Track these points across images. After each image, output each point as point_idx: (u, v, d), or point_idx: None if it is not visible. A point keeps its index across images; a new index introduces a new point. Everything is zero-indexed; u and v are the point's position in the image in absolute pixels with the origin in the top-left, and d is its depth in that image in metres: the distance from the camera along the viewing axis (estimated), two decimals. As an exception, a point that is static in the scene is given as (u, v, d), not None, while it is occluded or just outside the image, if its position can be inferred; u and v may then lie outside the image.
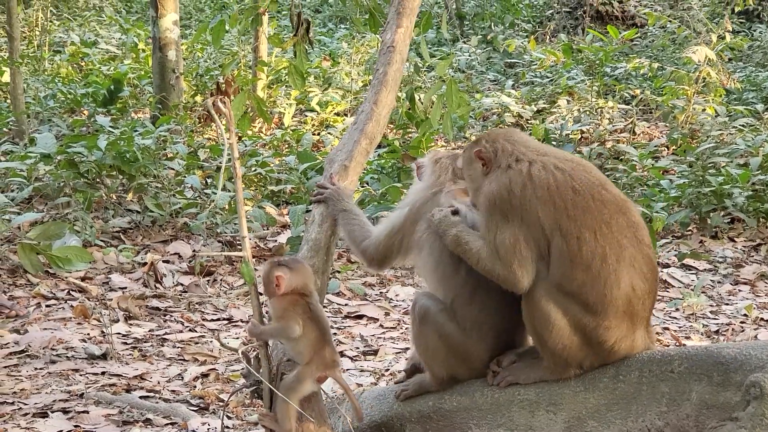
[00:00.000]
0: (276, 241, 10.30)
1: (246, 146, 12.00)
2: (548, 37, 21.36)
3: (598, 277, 4.42)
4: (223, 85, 13.48)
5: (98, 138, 10.44)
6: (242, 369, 5.05)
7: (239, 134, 12.29)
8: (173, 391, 6.67)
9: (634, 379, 4.46)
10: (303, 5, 20.17)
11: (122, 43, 17.91)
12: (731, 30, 15.92)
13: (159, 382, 6.80)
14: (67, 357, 7.17)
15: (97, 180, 10.63)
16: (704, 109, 14.93)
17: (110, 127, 11.69)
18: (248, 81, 14.14)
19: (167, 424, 6.11)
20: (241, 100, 9.02)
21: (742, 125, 14.68)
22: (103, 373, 6.91)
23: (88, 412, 6.17)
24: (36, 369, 6.95)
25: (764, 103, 17.06)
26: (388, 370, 7.18)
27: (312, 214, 5.20)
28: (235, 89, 13.34)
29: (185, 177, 11.05)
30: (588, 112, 14.88)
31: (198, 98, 14.80)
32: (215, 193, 10.06)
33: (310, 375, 4.70)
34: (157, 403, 6.41)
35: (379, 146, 13.67)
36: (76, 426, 5.97)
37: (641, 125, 15.28)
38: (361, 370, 7.18)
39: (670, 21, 17.56)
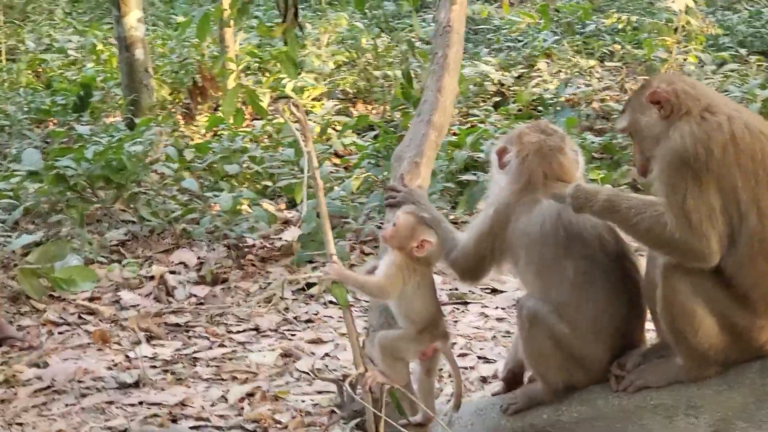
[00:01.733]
0: (281, 238, 9.84)
1: (233, 142, 11.48)
2: (518, 0, 20.94)
3: None
4: (200, 81, 13.01)
5: (86, 148, 9.91)
6: (335, 398, 4.61)
7: (235, 127, 11.80)
8: (221, 416, 6.22)
9: (785, 371, 4.00)
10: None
11: (81, 45, 17.24)
12: (705, -25, 15.65)
13: (203, 407, 6.34)
14: (97, 389, 6.69)
15: (89, 193, 10.11)
16: (685, 59, 14.62)
17: (90, 134, 11.18)
18: (220, 72, 13.62)
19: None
20: (233, 94, 8.60)
21: (729, 72, 14.41)
22: (140, 404, 6.44)
23: (137, 450, 5.74)
24: (67, 405, 6.46)
25: (740, 46, 16.81)
26: (441, 369, 6.73)
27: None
28: (214, 83, 12.96)
29: (173, 181, 10.57)
30: (578, 74, 14.48)
31: (177, 96, 14.22)
32: (217, 196, 9.57)
33: (417, 342, 4.44)
34: (209, 432, 5.99)
35: (371, 129, 13.30)
36: (128, 467, 5.53)
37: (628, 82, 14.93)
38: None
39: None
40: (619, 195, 4.13)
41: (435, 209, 4.80)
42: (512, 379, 4.73)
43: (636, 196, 4.14)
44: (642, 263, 4.39)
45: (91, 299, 8.37)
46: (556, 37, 16.24)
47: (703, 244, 3.90)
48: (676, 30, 14.56)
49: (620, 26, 15.54)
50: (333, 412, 6.03)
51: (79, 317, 8.04)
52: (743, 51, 16.03)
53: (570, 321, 4.26)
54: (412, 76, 11.38)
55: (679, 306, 4.01)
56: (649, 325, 4.50)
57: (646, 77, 15.14)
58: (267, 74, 15.33)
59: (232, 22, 10.70)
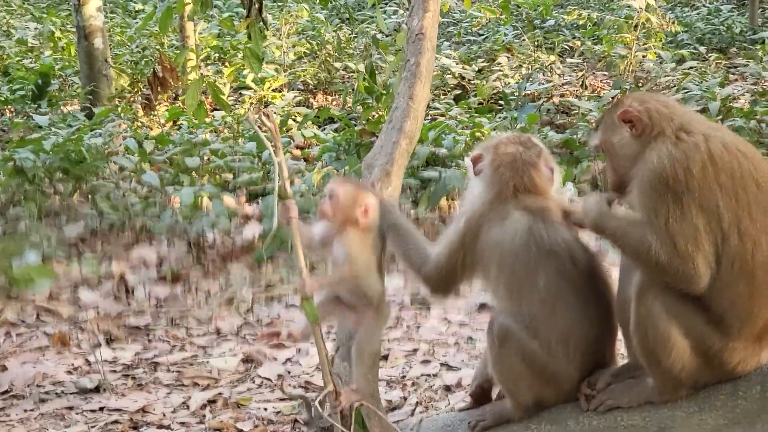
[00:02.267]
0: (242, 233, 9.76)
1: (194, 134, 11.38)
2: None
3: (757, 291, 3.89)
4: (160, 72, 12.87)
5: (45, 140, 9.77)
6: (302, 415, 4.56)
7: (196, 122, 11.68)
8: (183, 423, 6.13)
9: (757, 394, 4.01)
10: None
11: (39, 32, 17.03)
12: (666, -28, 15.71)
13: (165, 414, 6.25)
14: (57, 394, 6.58)
15: (47, 185, 9.98)
16: (644, 56, 14.67)
17: (49, 125, 11.03)
18: (179, 62, 13.51)
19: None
20: (195, 87, 8.52)
21: (688, 69, 14.47)
22: (101, 410, 6.33)
23: (98, 459, 5.66)
24: (26, 411, 6.34)
25: (699, 43, 16.89)
26: (405, 376, 6.72)
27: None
28: (174, 74, 12.84)
29: (133, 173, 10.46)
30: (539, 69, 14.48)
31: (136, 86, 14.07)
32: (178, 191, 9.46)
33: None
34: (171, 440, 5.92)
35: (331, 121, 13.24)
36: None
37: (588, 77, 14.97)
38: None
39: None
40: (606, 215, 4.09)
41: (406, 218, 4.74)
42: (480, 395, 4.70)
43: (623, 216, 4.08)
44: (615, 282, 4.37)
45: (49, 297, 8.25)
46: (517, 32, 16.25)
47: (689, 267, 3.86)
48: (636, 27, 14.62)
49: (581, 22, 15.54)
50: (296, 421, 5.99)
51: (38, 318, 7.93)
52: (702, 49, 16.11)
53: (540, 338, 4.23)
54: (374, 69, 11.36)
55: (653, 327, 3.98)
56: (620, 344, 4.49)
57: (605, 73, 15.27)
58: (227, 64, 15.22)
59: (194, 17, 10.63)
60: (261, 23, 8.28)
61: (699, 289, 3.90)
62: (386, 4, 18.35)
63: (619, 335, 4.41)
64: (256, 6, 8.26)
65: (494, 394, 4.76)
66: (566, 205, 4.48)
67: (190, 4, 8.46)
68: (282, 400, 6.39)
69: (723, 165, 3.89)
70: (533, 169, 4.52)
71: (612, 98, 13.23)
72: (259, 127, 4.26)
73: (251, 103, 14.21)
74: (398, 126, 4.86)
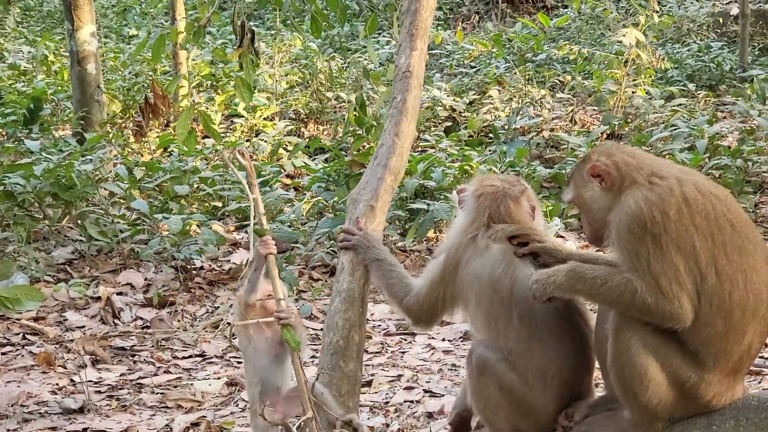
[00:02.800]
0: (230, 261, 9.82)
1: (183, 162, 11.45)
2: (470, 26, 21.05)
3: (733, 329, 3.99)
4: (152, 98, 12.93)
5: (36, 165, 9.83)
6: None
7: (185, 151, 11.73)
8: (165, 446, 6.19)
9: (730, 428, 4.09)
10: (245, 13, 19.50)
11: (32, 57, 17.10)
12: (658, 10, 15.82)
13: (148, 437, 6.30)
14: (41, 414, 6.62)
15: (36, 209, 10.03)
16: (634, 92, 14.77)
17: (40, 150, 11.09)
18: (171, 90, 13.57)
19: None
20: (186, 116, 8.57)
21: (677, 106, 14.56)
22: (85, 431, 6.37)
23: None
24: (9, 431, 6.38)
25: (689, 80, 17.00)
26: (388, 402, 6.76)
27: (340, 262, 4.78)
28: (166, 101, 12.90)
29: (123, 200, 10.52)
30: (530, 104, 14.57)
31: (128, 112, 14.12)
32: (167, 218, 9.50)
33: None
34: (153, 462, 5.95)
35: (322, 151, 13.31)
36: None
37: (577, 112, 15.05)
38: (359, 406, 6.75)
39: (595, 3, 17.39)
40: (581, 265, 4.17)
41: (389, 253, 4.82)
42: (460, 423, 4.76)
43: (598, 266, 4.18)
44: (591, 315, 4.43)
45: (36, 319, 8.30)
46: (508, 65, 16.35)
47: (675, 306, 3.95)
48: (626, 63, 14.72)
49: (572, 57, 15.65)
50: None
51: (24, 337, 7.97)
52: (691, 86, 16.21)
53: (518, 371, 4.29)
54: (365, 101, 11.44)
55: (630, 362, 4.05)
56: (597, 374, 4.55)
57: (595, 108, 15.36)
58: (219, 92, 15.31)
59: (187, 45, 10.70)
60: (253, 53, 8.37)
61: (684, 326, 3.99)
62: (379, 34, 18.45)
63: (597, 366, 4.48)
64: (249, 36, 8.35)
65: (474, 424, 4.82)
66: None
67: (183, 33, 8.52)
68: (264, 425, 6.43)
69: (697, 207, 4.00)
70: (513, 202, 4.61)
71: (602, 133, 13.35)
72: (234, 164, 4.34)
73: (242, 131, 14.29)
74: (383, 162, 4.95)
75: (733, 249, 4.00)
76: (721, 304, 3.99)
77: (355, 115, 11.20)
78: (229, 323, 8.21)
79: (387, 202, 4.91)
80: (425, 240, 9.96)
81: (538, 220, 4.67)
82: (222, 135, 14.07)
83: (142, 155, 12.58)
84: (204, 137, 13.37)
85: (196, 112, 8.74)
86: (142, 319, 8.42)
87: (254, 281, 4.54)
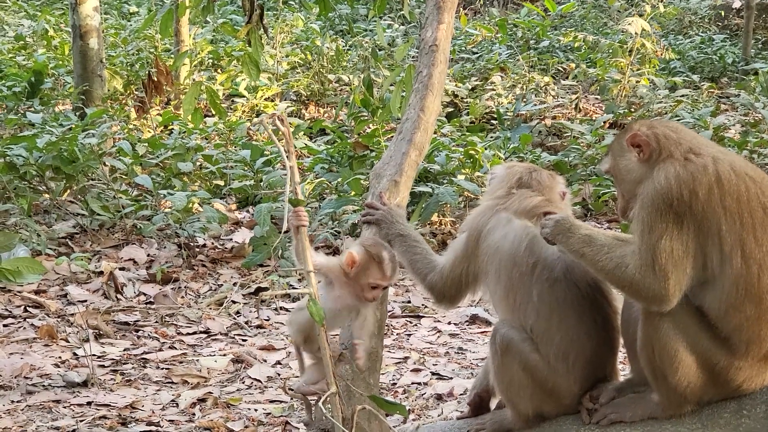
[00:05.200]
0: (232, 239, 9.74)
1: (186, 139, 11.35)
2: (472, 13, 20.96)
3: (764, 315, 3.90)
4: (155, 75, 12.82)
5: (38, 137, 9.73)
6: (303, 416, 4.53)
7: (190, 127, 11.63)
8: (171, 420, 6.10)
9: (761, 413, 4.00)
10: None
11: (33, 31, 16.96)
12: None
13: (153, 411, 6.21)
14: (44, 386, 6.54)
15: (38, 182, 9.93)
16: (638, 81, 14.71)
17: (42, 123, 10.98)
18: (175, 66, 13.47)
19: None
20: (192, 93, 8.46)
21: (680, 97, 14.51)
22: (89, 404, 6.29)
23: (85, 453, 5.61)
24: (13, 402, 6.30)
25: (692, 71, 16.96)
26: (395, 384, 6.70)
27: (362, 236, 4.69)
28: (169, 77, 12.80)
29: (125, 175, 10.43)
30: (533, 91, 14.49)
31: (130, 88, 14.00)
32: (171, 194, 9.41)
33: None
34: (160, 437, 5.87)
35: (323, 133, 13.21)
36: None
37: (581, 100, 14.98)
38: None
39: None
40: (599, 232, 4.11)
41: (413, 229, 4.75)
42: (479, 404, 4.68)
43: (613, 235, 4.13)
44: (617, 297, 4.36)
45: (37, 292, 8.21)
46: (511, 51, 16.27)
47: (660, 286, 3.88)
48: (630, 52, 14.66)
49: (576, 45, 15.57)
50: (287, 423, 5.96)
51: (26, 310, 7.88)
52: (695, 77, 16.17)
53: (541, 352, 4.21)
54: (372, 81, 11.34)
55: (660, 345, 3.98)
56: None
57: (598, 97, 15.30)
58: (220, 70, 15.20)
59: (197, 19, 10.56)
60: (261, 30, 8.28)
61: (665, 309, 3.93)
62: (381, 17, 18.34)
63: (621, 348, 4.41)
64: (258, 12, 8.25)
65: (493, 405, 4.74)
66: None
67: (190, 7, 8.42)
68: (272, 401, 6.37)
69: (730, 188, 3.91)
70: (548, 174, 4.56)
71: (605, 122, 13.28)
72: (273, 131, 4.23)
73: (243, 111, 14.18)
74: (408, 137, 4.86)
75: (764, 233, 3.92)
76: (750, 288, 3.90)
77: (360, 96, 11.09)
78: (234, 301, 8.15)
79: (411, 177, 4.84)
80: (429, 223, 9.88)
81: (566, 203, 4.60)
82: (226, 114, 13.95)
83: (142, 132, 12.47)
84: (205, 115, 13.26)
85: (203, 89, 8.65)
86: (145, 294, 8.34)
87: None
